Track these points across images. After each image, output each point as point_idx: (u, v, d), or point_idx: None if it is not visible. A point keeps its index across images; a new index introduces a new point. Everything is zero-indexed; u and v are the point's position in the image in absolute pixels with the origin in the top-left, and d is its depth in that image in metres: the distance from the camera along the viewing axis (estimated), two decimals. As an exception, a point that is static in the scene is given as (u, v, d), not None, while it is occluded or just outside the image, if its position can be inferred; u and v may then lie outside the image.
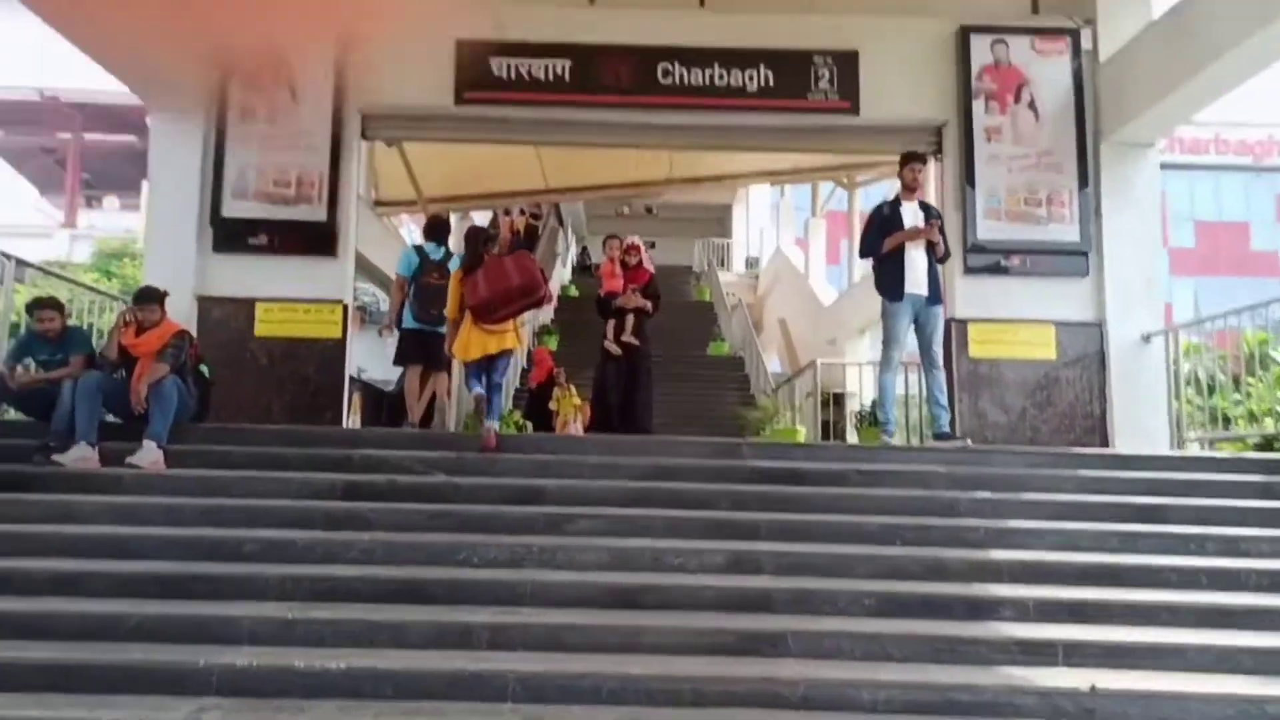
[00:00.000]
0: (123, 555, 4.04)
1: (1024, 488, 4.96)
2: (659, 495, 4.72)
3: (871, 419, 7.38)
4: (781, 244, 21.71)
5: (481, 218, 20.22)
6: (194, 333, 7.02)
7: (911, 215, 6.07)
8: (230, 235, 7.42)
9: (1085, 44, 7.56)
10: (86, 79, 17.11)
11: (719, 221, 28.62)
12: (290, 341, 7.34)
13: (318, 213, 7.47)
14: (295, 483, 4.73)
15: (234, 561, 4.05)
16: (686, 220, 28.88)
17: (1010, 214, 7.38)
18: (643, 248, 7.37)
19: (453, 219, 19.36)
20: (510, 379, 8.06)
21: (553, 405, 11.31)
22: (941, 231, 6.19)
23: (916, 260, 5.95)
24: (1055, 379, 7.16)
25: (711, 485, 4.86)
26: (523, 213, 19.16)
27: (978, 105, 7.51)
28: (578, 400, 11.34)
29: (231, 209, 7.43)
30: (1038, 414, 7.12)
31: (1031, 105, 7.52)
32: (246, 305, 7.36)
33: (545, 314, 17.85)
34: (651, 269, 7.45)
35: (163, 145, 7.54)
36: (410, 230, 19.97)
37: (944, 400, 5.97)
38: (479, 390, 5.66)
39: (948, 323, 7.26)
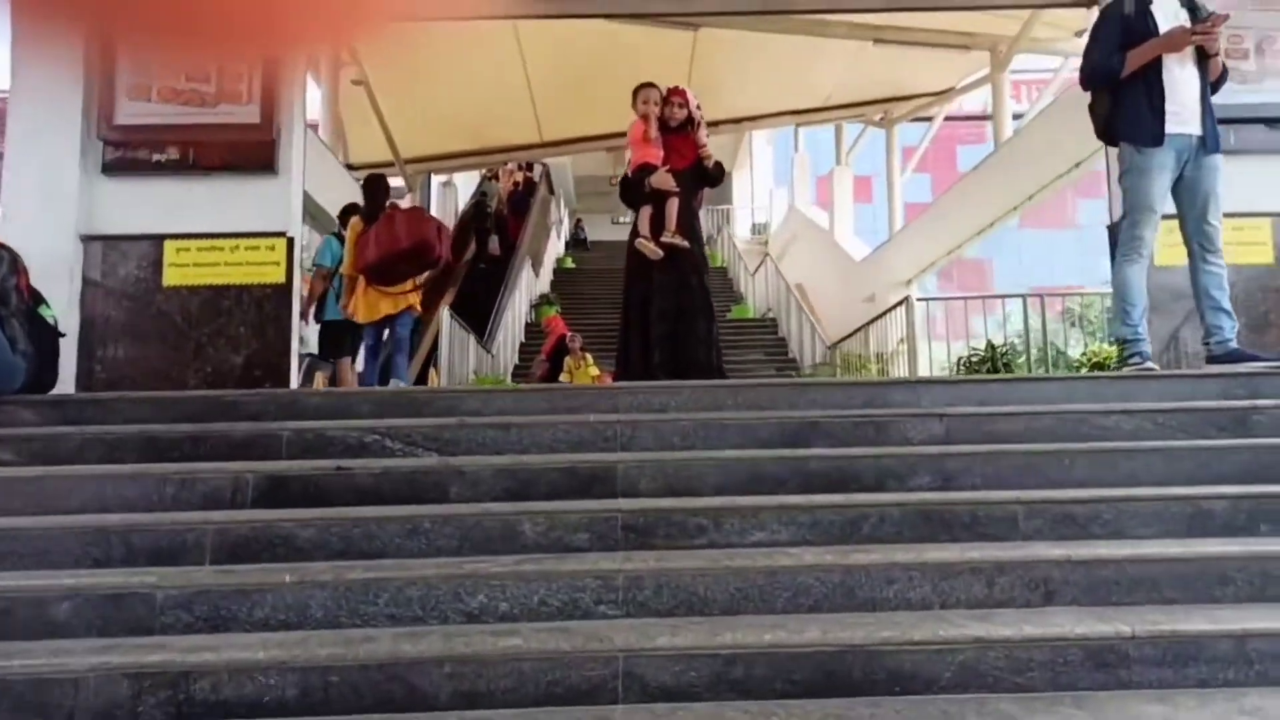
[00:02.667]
0: None
1: None
2: (826, 473, 2.72)
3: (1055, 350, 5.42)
4: (798, 203, 19.70)
5: (464, 182, 18.22)
6: (78, 279, 5.08)
7: (1170, 12, 3.86)
8: (126, 151, 5.38)
9: None
10: None
11: (717, 191, 26.52)
12: (214, 292, 5.32)
13: (248, 113, 5.43)
14: (174, 482, 2.72)
15: (29, 639, 2.05)
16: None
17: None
18: (692, 97, 4.69)
19: (434, 182, 17.44)
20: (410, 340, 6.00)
21: (564, 377, 9.33)
22: None
23: (1181, 82, 3.76)
24: (1277, 290, 5.20)
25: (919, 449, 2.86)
26: (520, 167, 17.13)
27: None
28: (595, 370, 9.36)
29: (127, 114, 5.38)
30: (1255, 338, 5.14)
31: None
32: (152, 245, 5.33)
33: (541, 284, 15.84)
34: (705, 139, 4.69)
35: (25, 27, 5.47)
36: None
37: (1226, 301, 3.91)
38: (359, 371, 5.38)
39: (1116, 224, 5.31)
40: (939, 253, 12.01)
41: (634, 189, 4.65)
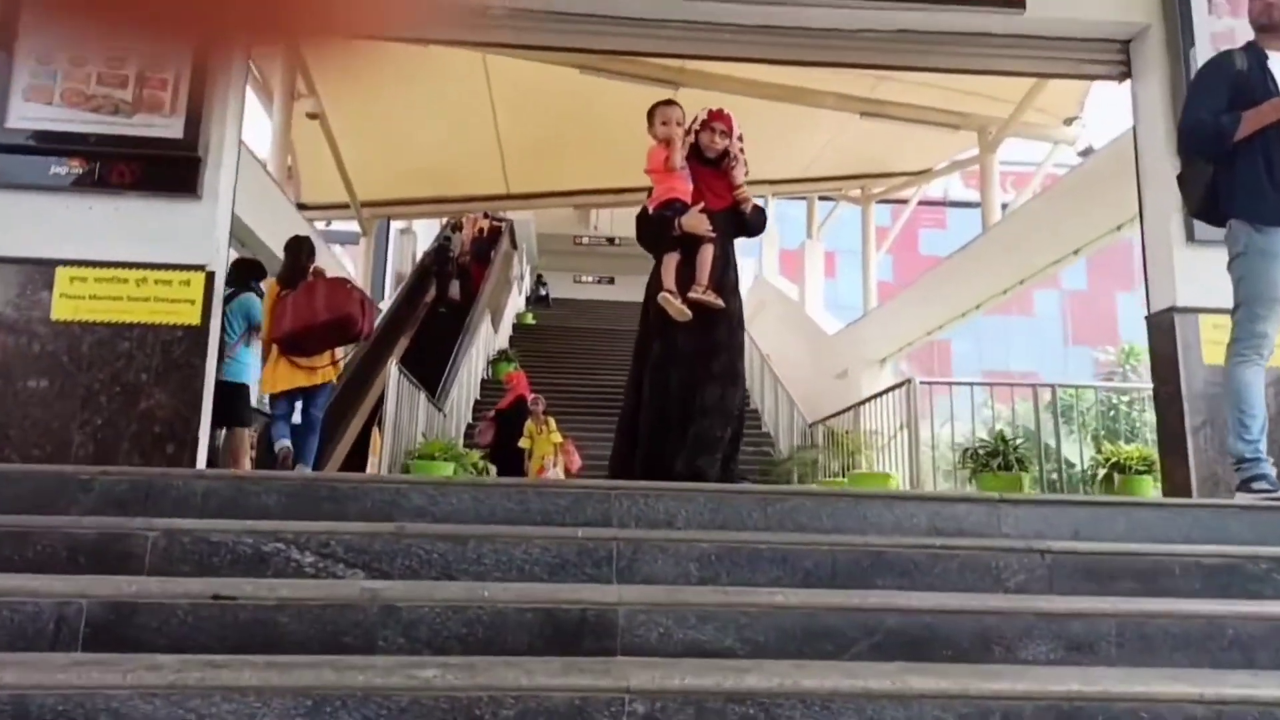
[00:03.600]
0: None
1: None
2: (908, 632, 1.95)
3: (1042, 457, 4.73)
4: (765, 273, 19.29)
5: (425, 229, 17.45)
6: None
7: (1288, 70, 3.31)
8: (18, 160, 4.54)
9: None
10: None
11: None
12: (112, 330, 4.44)
13: (171, 126, 4.63)
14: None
15: None
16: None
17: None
18: (736, 126, 3.72)
19: (392, 227, 16.65)
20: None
21: (524, 443, 8.46)
22: None
23: None
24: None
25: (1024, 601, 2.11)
26: (486, 216, 16.51)
27: (1198, 4, 4.99)
28: (558, 437, 8.52)
29: (22, 116, 4.56)
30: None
31: None
32: (39, 271, 4.46)
33: (500, 339, 15.03)
34: (743, 179, 3.69)
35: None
36: (340, 261, 17.00)
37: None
38: (284, 442, 4.96)
39: (1164, 314, 4.73)
40: (918, 332, 11.52)
41: (656, 229, 3.62)
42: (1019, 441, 6.09)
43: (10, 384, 4.32)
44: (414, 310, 14.40)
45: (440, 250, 15.48)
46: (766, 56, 5.57)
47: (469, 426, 10.83)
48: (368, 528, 2.21)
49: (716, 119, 3.72)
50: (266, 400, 5.78)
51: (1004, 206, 10.12)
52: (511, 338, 16.36)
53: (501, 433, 8.76)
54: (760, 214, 3.81)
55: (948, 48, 5.32)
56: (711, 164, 3.71)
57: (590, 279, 27.02)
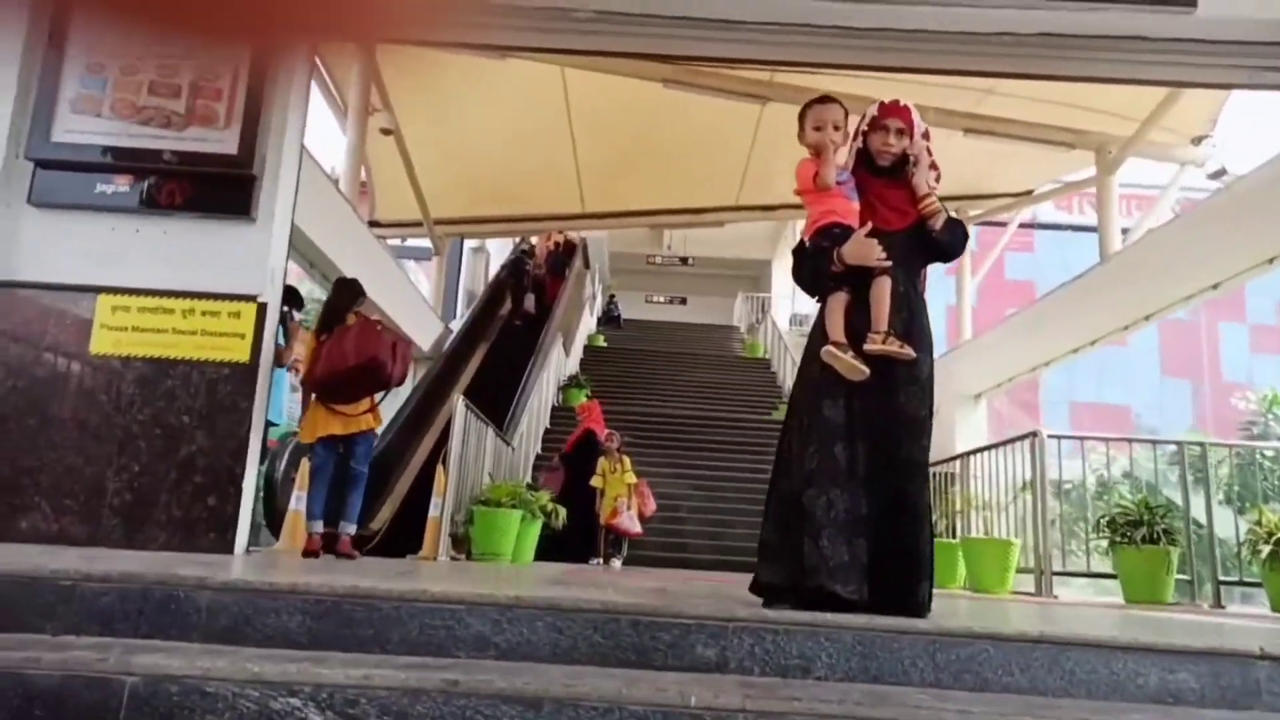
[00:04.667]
0: None
1: None
2: None
3: None
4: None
5: (498, 248, 17.15)
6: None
7: None
8: (63, 177, 4.17)
9: None
10: None
11: (754, 279, 25.53)
12: (155, 366, 4.02)
13: (224, 140, 4.22)
14: None
15: None
16: (722, 277, 25.79)
17: None
18: (918, 120, 2.83)
19: (465, 246, 16.40)
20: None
21: (596, 481, 7.90)
22: None
23: None
24: None
25: None
26: (560, 233, 16.23)
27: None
28: (632, 477, 7.95)
29: (68, 129, 4.19)
30: None
31: None
32: (80, 298, 4.07)
33: (571, 364, 14.57)
34: (933, 185, 2.78)
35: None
36: (416, 276, 16.82)
37: None
38: (316, 528, 4.70)
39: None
40: (1020, 368, 10.65)
41: (813, 264, 2.80)
42: (1160, 509, 5.28)
43: (44, 424, 3.93)
44: (490, 323, 14.14)
45: (516, 263, 15.24)
46: (880, 63, 4.93)
47: (538, 458, 10.34)
48: (410, 679, 1.64)
49: (890, 114, 2.78)
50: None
51: (1124, 232, 9.22)
52: (582, 360, 15.90)
53: (571, 469, 8.23)
54: (957, 229, 2.79)
55: (1094, 54, 4.61)
56: (887, 173, 2.79)
57: (662, 299, 26.60)
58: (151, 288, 4.07)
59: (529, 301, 14.62)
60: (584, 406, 9.01)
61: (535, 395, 10.45)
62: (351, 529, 4.79)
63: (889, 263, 2.64)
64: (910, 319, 2.67)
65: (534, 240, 16.39)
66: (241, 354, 4.04)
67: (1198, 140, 9.47)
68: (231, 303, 4.09)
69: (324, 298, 5.83)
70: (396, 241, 14.46)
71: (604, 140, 11.47)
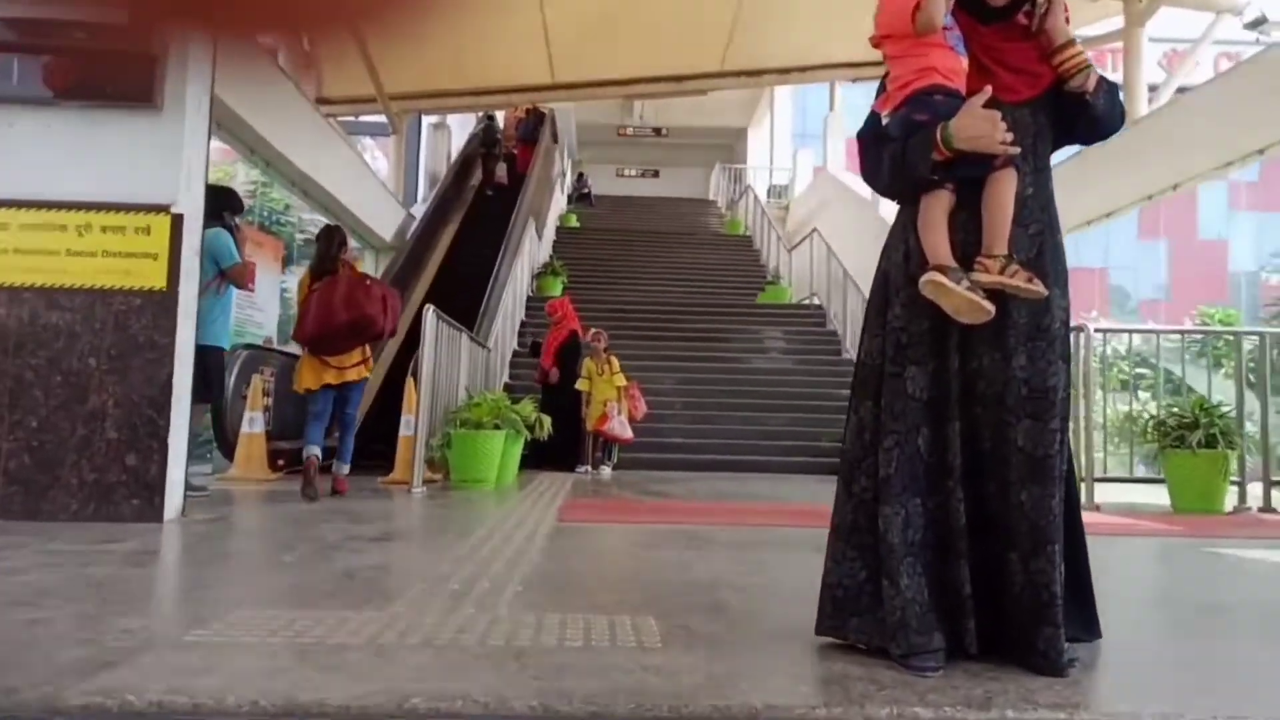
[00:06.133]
0: None
1: None
2: None
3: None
4: (829, 165, 17.56)
5: (460, 125, 15.94)
6: None
7: None
8: (-92, 56, 3.27)
9: None
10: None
11: (729, 148, 24.39)
12: (45, 298, 3.26)
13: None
14: None
15: None
16: (696, 146, 24.53)
17: None
18: None
19: (425, 123, 15.22)
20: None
21: (582, 385, 7.28)
22: None
23: None
24: None
25: None
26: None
27: None
28: (622, 379, 7.33)
29: (-94, -6, 3.26)
30: None
31: None
32: (-56, 215, 3.25)
33: (544, 248, 13.74)
34: (1071, 36, 1.77)
35: None
36: (373, 155, 15.60)
37: None
38: (313, 450, 4.75)
39: None
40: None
41: (900, 150, 1.84)
42: (1220, 411, 4.77)
43: (-85, 374, 3.19)
44: (459, 201, 13.46)
45: (487, 130, 14.48)
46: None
47: (514, 354, 9.69)
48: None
49: None
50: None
51: (1151, 90, 8.42)
52: (555, 242, 15.07)
53: (559, 371, 7.60)
54: (1111, 93, 1.85)
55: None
56: (1000, 15, 1.85)
57: (633, 172, 25.49)
58: (34, 198, 3.26)
59: (500, 171, 14.02)
60: (556, 304, 8.28)
61: (509, 288, 9.71)
62: (345, 469, 5.02)
63: (1017, 150, 1.75)
64: (1041, 237, 1.81)
65: (497, 114, 15.31)
66: (156, 279, 3.28)
67: (1237, -9, 8.57)
68: (138, 214, 3.30)
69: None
70: (350, 120, 13.27)
71: (576, 5, 10.30)
